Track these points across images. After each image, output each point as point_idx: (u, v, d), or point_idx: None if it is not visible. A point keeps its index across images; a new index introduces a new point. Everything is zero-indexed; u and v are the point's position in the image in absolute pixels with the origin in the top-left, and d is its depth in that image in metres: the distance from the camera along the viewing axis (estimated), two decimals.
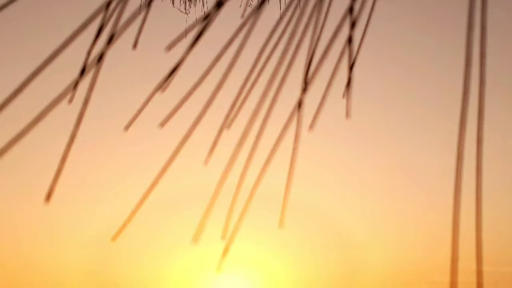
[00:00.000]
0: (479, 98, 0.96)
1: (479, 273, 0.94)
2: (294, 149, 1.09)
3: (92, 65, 1.06)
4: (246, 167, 1.07)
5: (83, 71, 1.05)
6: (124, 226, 1.04)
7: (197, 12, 2.71)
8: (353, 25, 1.09)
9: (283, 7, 1.10)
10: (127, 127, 1.09)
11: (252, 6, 1.12)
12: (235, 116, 1.11)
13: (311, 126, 1.12)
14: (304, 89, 1.11)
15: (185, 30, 1.10)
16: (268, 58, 1.10)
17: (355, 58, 1.13)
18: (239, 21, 1.10)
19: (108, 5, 1.07)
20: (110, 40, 1.06)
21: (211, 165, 1.09)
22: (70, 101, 1.04)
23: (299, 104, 1.10)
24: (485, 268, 0.95)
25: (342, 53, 1.12)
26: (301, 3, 1.12)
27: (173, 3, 2.72)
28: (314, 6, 1.12)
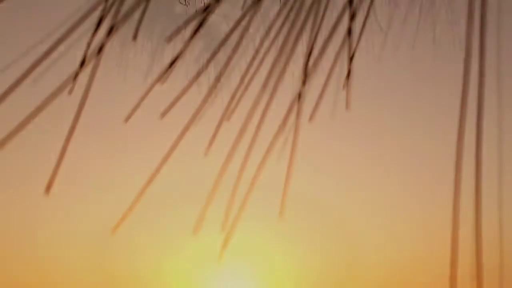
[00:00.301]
0: (478, 90, 0.96)
1: (479, 267, 0.94)
2: (294, 140, 1.09)
3: (92, 56, 1.06)
4: (246, 159, 1.07)
5: (83, 63, 1.05)
6: (123, 218, 1.04)
7: (197, 3, 2.70)
8: (352, 16, 1.09)
9: None
10: (127, 119, 1.09)
11: None
12: (235, 107, 1.11)
13: (311, 118, 1.12)
14: (304, 80, 1.11)
15: (185, 21, 1.10)
16: (268, 49, 1.10)
17: (354, 50, 1.13)
18: (239, 13, 1.10)
19: None
20: (110, 31, 1.06)
21: (211, 156, 1.09)
22: (70, 92, 1.04)
23: (299, 95, 1.10)
24: (485, 261, 0.95)
25: (342, 45, 1.12)
26: None
27: None
28: None
